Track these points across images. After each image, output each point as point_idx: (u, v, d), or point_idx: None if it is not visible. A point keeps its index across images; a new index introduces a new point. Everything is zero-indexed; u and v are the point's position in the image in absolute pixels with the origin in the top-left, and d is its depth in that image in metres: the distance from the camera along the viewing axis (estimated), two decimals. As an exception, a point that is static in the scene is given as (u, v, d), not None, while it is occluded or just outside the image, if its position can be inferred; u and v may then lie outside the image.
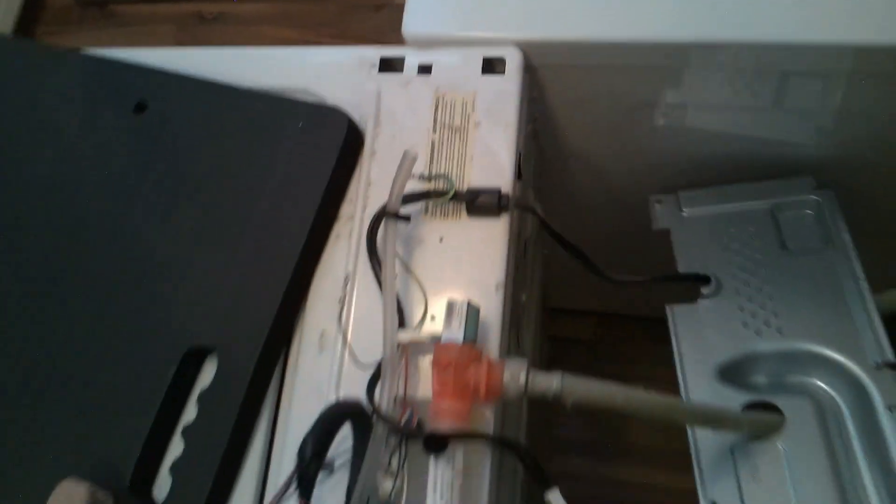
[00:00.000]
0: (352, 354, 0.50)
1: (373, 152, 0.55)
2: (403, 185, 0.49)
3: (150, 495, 0.48)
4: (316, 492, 0.43)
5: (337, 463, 0.47)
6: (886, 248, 0.70)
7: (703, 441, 0.55)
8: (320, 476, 0.45)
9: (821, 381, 0.57)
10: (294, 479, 0.41)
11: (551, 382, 0.43)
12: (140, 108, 0.57)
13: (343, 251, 0.53)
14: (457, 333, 0.45)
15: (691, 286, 0.64)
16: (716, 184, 0.71)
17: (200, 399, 0.49)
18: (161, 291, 0.51)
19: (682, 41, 0.57)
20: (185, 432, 0.48)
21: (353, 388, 0.49)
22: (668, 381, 0.57)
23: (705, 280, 0.64)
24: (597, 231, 0.73)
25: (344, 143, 0.53)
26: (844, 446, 0.54)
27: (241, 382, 0.48)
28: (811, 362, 0.58)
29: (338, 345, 0.50)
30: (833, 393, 0.57)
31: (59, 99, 0.59)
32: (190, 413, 0.49)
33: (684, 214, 0.70)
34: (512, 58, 0.56)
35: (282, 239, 0.51)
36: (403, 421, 0.45)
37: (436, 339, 0.46)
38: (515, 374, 0.43)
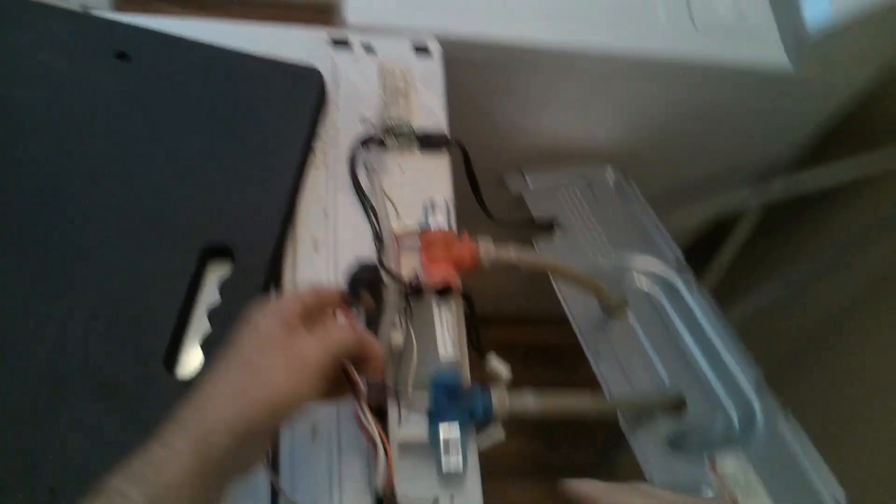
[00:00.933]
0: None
1: (337, 107, 0.69)
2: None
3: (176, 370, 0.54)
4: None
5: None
6: (663, 202, 1.00)
7: (579, 316, 0.76)
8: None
9: (643, 281, 0.83)
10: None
11: (511, 254, 0.61)
12: (122, 56, 0.64)
13: (321, 178, 0.66)
14: (441, 221, 0.61)
15: (547, 229, 0.87)
16: (547, 164, 0.97)
17: (222, 287, 0.57)
18: (176, 201, 0.59)
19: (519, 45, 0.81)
20: (211, 315, 0.56)
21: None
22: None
23: (555, 223, 0.88)
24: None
25: (318, 94, 0.66)
26: (668, 317, 0.79)
27: (259, 273, 0.58)
28: (635, 268, 0.83)
29: (329, 246, 0.62)
30: (654, 288, 0.82)
31: (42, 46, 0.63)
32: (213, 297, 0.56)
33: (530, 184, 0.94)
34: (434, 47, 0.75)
35: (278, 161, 0.62)
36: (409, 283, 0.58)
37: (424, 228, 0.61)
38: (488, 248, 0.60)
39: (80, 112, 0.62)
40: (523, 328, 1.63)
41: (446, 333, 0.57)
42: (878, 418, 1.01)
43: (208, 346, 0.55)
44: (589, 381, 0.70)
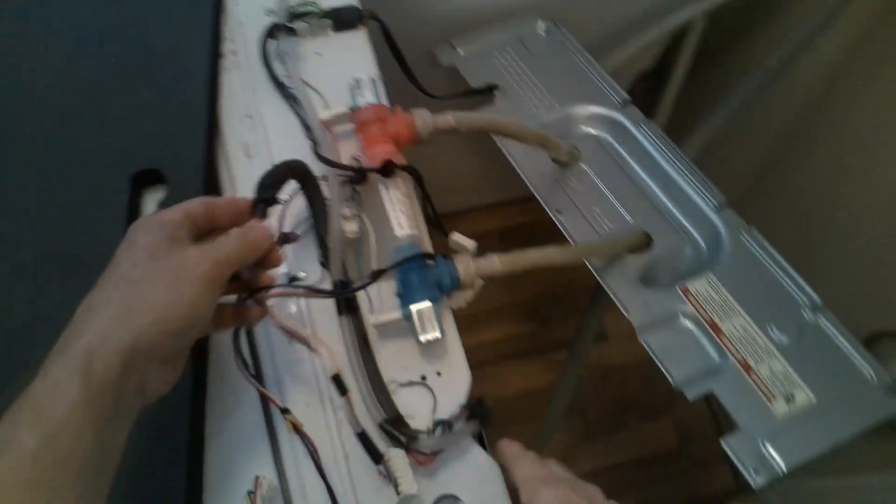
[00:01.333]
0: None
1: (235, 2, 0.64)
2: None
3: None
4: (290, 257, 0.53)
5: (300, 231, 0.57)
6: (601, 44, 0.97)
7: (534, 176, 0.74)
8: (293, 245, 0.54)
9: (591, 127, 0.81)
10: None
11: (448, 118, 0.58)
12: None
13: (237, 80, 0.62)
14: (370, 98, 0.58)
15: (488, 95, 0.84)
16: (475, 31, 0.92)
17: (160, 207, 0.54)
18: (93, 132, 0.55)
19: None
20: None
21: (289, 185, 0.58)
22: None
23: (494, 87, 0.85)
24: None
25: (213, -11, 0.61)
26: (621, 158, 0.78)
27: (195, 188, 0.55)
28: (581, 117, 0.81)
29: (261, 149, 0.59)
30: (601, 132, 0.81)
31: None
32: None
33: (460, 53, 0.90)
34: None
35: (186, 73, 0.58)
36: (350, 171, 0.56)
37: (354, 108, 0.58)
38: (424, 119, 0.58)
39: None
40: (494, 213, 1.63)
41: (398, 211, 0.55)
42: (847, 218, 1.04)
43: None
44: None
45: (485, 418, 0.51)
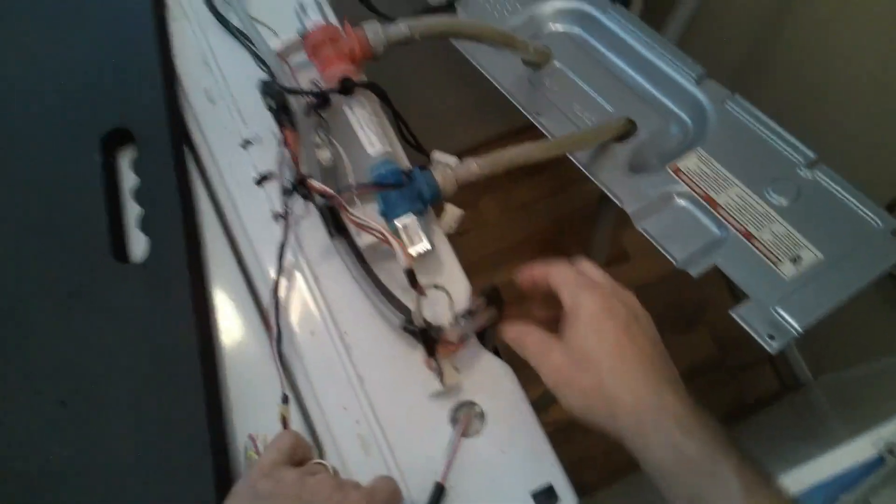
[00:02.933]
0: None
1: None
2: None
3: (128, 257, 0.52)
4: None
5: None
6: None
7: (506, 81, 0.72)
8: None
9: (559, 24, 0.79)
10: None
11: (401, 27, 0.57)
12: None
13: (187, 28, 0.60)
14: (318, 20, 0.56)
15: (448, 9, 0.82)
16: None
17: (135, 167, 0.53)
18: (54, 97, 0.54)
19: None
20: (136, 195, 0.53)
21: (255, 119, 0.57)
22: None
23: (453, 1, 0.82)
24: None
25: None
26: (594, 50, 0.76)
27: (165, 141, 0.54)
28: (547, 15, 0.79)
29: (223, 93, 0.58)
30: (570, 26, 0.78)
31: None
32: (130, 180, 0.53)
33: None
34: None
35: (134, 29, 0.57)
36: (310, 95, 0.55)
37: (303, 33, 0.56)
38: (376, 31, 0.56)
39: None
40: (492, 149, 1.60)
41: (368, 130, 0.54)
42: (838, 80, 1.00)
43: (147, 226, 0.52)
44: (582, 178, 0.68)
45: (500, 304, 0.51)
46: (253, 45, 0.57)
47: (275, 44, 0.57)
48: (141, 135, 0.54)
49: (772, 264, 0.58)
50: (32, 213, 0.52)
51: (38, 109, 0.55)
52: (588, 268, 0.50)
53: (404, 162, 0.56)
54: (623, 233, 1.48)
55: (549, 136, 0.69)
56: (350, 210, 0.48)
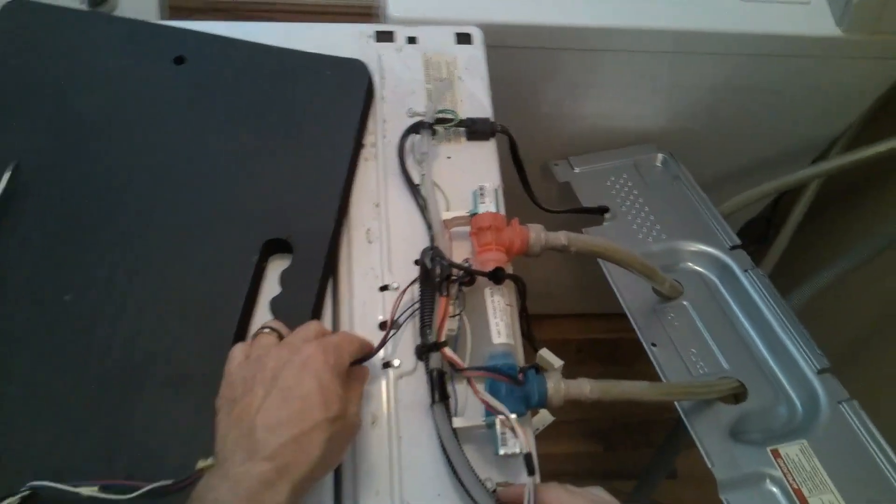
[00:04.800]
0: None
1: (382, 98, 0.70)
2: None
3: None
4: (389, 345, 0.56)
5: (402, 320, 0.59)
6: (712, 184, 0.98)
7: (633, 304, 0.75)
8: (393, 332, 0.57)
9: (696, 265, 0.81)
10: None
11: (560, 237, 0.61)
12: (179, 60, 0.66)
13: (372, 170, 0.66)
14: (490, 206, 0.61)
15: (597, 216, 0.87)
16: (592, 150, 0.96)
17: (283, 278, 0.58)
18: (236, 197, 0.60)
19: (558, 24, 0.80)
20: (272, 304, 0.57)
21: (400, 269, 0.61)
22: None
23: (605, 209, 0.87)
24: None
25: (367, 85, 0.67)
26: (723, 300, 0.77)
27: (317, 264, 0.59)
28: (688, 253, 0.82)
29: (382, 236, 0.63)
30: (706, 271, 0.81)
31: (104, 53, 0.65)
32: (274, 289, 0.57)
33: (576, 171, 0.93)
34: (476, 33, 0.75)
35: (330, 156, 0.63)
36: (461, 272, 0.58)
37: (473, 213, 0.61)
38: (538, 232, 0.60)
39: (142, 115, 0.64)
40: (575, 323, 1.61)
41: (499, 319, 0.57)
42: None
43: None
44: (646, 376, 0.69)
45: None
46: (426, 206, 0.62)
47: (444, 212, 0.62)
48: (299, 250, 0.59)
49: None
50: (180, 291, 0.56)
51: (222, 199, 0.61)
52: (601, 493, 0.49)
53: (521, 358, 0.58)
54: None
55: (658, 367, 0.70)
56: (477, 388, 0.50)
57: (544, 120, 0.95)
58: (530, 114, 0.94)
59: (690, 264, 0.81)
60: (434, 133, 0.67)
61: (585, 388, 0.55)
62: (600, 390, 0.56)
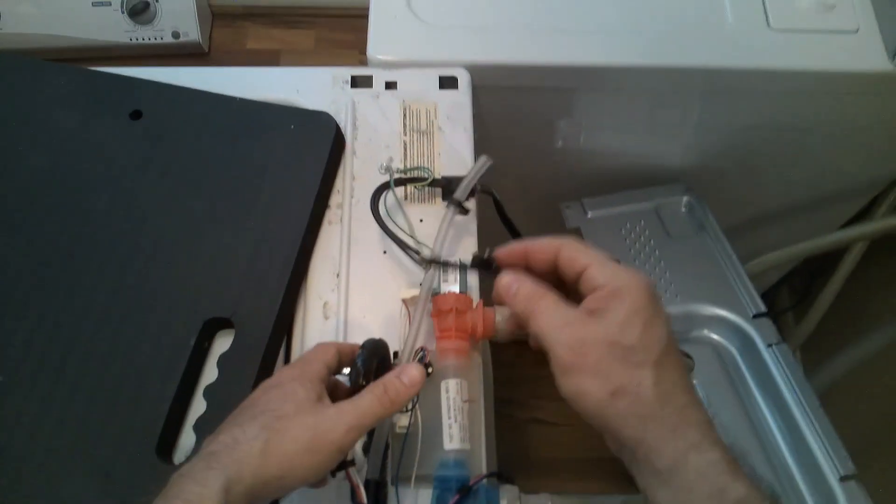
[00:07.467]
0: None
1: (353, 152, 0.64)
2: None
3: (172, 457, 0.51)
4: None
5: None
6: (743, 230, 0.88)
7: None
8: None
9: (714, 333, 0.72)
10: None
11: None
12: (136, 115, 0.62)
13: (336, 234, 0.61)
14: (452, 286, 0.54)
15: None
16: (610, 191, 0.87)
17: (220, 362, 0.53)
18: (177, 271, 0.56)
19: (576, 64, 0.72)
20: (206, 392, 0.52)
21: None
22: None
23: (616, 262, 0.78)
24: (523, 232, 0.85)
25: (333, 141, 0.61)
26: (740, 379, 0.68)
27: (259, 346, 0.54)
28: (705, 318, 0.73)
29: (340, 312, 0.57)
30: (724, 341, 0.72)
31: (55, 107, 0.62)
32: (210, 375, 0.53)
33: (589, 216, 0.84)
34: (462, 76, 0.68)
35: (285, 223, 0.58)
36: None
37: (435, 293, 0.54)
38: (505, 316, 0.53)
39: (89, 178, 0.60)
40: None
41: (453, 419, 0.50)
42: None
43: (200, 427, 0.51)
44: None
45: None
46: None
47: (404, 291, 0.56)
48: (240, 331, 0.54)
49: None
50: (106, 381, 0.52)
51: (163, 274, 0.56)
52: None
53: (480, 463, 0.52)
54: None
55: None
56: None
57: (557, 154, 0.87)
58: (540, 150, 0.86)
59: (706, 332, 0.72)
60: (405, 191, 0.61)
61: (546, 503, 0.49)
62: (564, 507, 0.49)
